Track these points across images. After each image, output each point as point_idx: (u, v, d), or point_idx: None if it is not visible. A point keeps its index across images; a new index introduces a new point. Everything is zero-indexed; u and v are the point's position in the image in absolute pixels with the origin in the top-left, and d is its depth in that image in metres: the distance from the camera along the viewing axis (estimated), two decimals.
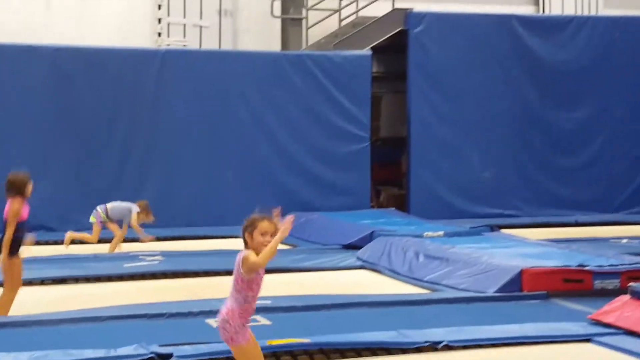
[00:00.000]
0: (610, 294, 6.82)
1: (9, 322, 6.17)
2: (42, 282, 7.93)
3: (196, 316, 6.42)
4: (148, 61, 11.97)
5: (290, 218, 4.19)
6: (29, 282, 7.82)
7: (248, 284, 4.31)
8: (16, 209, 6.42)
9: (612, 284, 7.31)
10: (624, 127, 13.47)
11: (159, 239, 10.53)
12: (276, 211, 4.24)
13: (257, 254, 4.19)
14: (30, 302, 6.98)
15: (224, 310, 4.33)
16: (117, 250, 9.87)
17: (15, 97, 11.37)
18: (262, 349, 5.32)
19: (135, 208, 9.75)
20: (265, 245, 4.15)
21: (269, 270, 8.87)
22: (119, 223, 9.90)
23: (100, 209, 9.83)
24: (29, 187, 6.56)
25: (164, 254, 9.42)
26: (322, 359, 5.41)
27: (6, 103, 11.34)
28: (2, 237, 6.52)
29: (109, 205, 9.87)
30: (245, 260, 4.21)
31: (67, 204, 11.38)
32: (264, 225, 4.20)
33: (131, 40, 13.02)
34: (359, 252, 9.31)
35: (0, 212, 6.75)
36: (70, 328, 6.10)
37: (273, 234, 4.18)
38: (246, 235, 4.25)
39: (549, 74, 13.24)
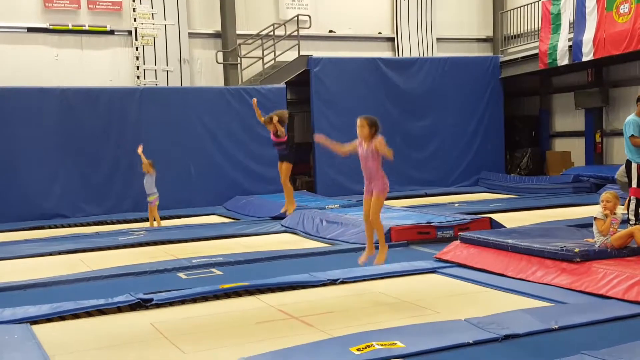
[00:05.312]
0: (447, 241, 7.02)
1: (32, 284, 5.81)
2: (59, 253, 7.50)
3: (170, 272, 6.21)
4: (131, 96, 11.55)
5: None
6: (49, 254, 7.46)
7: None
8: (278, 130, 7.72)
9: (448, 233, 7.50)
10: (453, 131, 13.74)
11: (143, 220, 10.20)
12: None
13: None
14: (51, 267, 6.64)
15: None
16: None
17: (33, 124, 10.76)
18: (216, 291, 5.24)
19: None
20: None
21: (220, 237, 8.71)
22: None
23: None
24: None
25: (147, 229, 9.12)
26: (258, 295, 5.32)
27: (26, 130, 10.72)
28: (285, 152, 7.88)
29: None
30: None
31: (74, 199, 10.86)
32: None
33: (118, 81, 12.61)
34: (283, 221, 9.25)
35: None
36: (80, 285, 5.81)
37: None
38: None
39: (403, 97, 13.37)
